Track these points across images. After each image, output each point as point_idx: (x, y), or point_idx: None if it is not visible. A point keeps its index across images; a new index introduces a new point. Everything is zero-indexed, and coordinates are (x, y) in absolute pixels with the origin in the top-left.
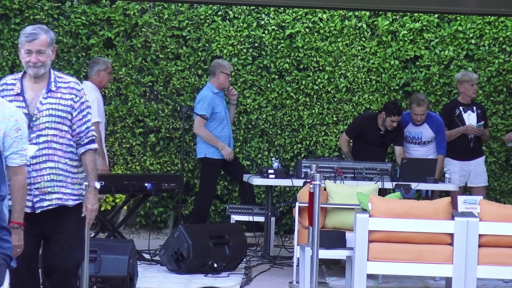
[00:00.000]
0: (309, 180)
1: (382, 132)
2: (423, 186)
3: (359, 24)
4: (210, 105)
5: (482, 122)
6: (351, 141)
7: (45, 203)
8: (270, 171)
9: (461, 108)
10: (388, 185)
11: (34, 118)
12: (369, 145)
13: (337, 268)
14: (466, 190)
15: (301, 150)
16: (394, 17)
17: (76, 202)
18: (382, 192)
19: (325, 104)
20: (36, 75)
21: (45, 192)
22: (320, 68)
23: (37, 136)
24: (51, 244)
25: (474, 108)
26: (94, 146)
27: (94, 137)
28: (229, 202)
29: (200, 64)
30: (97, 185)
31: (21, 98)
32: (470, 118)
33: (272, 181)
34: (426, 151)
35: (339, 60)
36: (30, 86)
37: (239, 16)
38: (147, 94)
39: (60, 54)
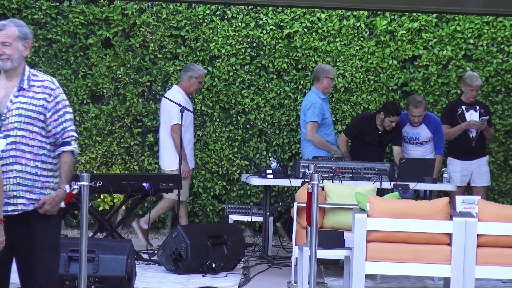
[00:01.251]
0: (307, 180)
1: (380, 132)
2: (421, 186)
3: (358, 24)
4: (321, 111)
5: (487, 117)
6: (349, 141)
7: (10, 208)
8: (269, 171)
9: (463, 107)
10: (387, 185)
11: (2, 117)
12: (367, 145)
13: (335, 268)
14: (466, 190)
15: (299, 150)
16: (393, 17)
17: None
18: (381, 192)
19: None
20: (1, 68)
21: (10, 196)
22: None
23: (5, 137)
24: (21, 253)
25: (477, 107)
26: (69, 148)
27: (72, 138)
28: (227, 202)
29: (198, 63)
30: (67, 188)
31: None
32: (472, 117)
33: (270, 181)
34: (424, 151)
35: (337, 60)
36: (2, 83)
37: (237, 16)
38: (145, 93)
39: (58, 54)
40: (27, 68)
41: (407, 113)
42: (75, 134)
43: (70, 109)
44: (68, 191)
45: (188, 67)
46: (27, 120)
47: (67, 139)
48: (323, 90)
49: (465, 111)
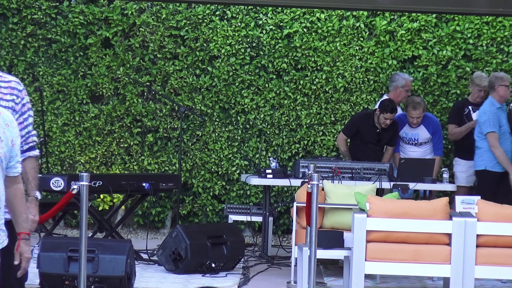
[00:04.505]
0: (307, 180)
1: (378, 130)
2: (421, 186)
3: (357, 24)
4: (497, 121)
5: None
6: (349, 140)
7: None
8: (268, 171)
9: (470, 107)
10: (386, 185)
11: None
12: (366, 144)
13: (335, 268)
14: (471, 190)
15: (299, 150)
16: (392, 17)
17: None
18: (380, 192)
19: (323, 104)
20: None
21: None
22: (318, 68)
23: None
24: None
25: None
26: (35, 153)
27: (35, 143)
28: (227, 202)
29: (198, 64)
30: (38, 195)
31: None
32: None
33: (270, 181)
34: (423, 152)
35: (337, 60)
36: None
37: (237, 16)
38: (145, 93)
39: (58, 54)
40: None
41: (405, 114)
42: (36, 139)
43: (32, 113)
44: (39, 197)
45: (393, 77)
46: None
47: (31, 144)
48: (499, 98)
49: (471, 111)
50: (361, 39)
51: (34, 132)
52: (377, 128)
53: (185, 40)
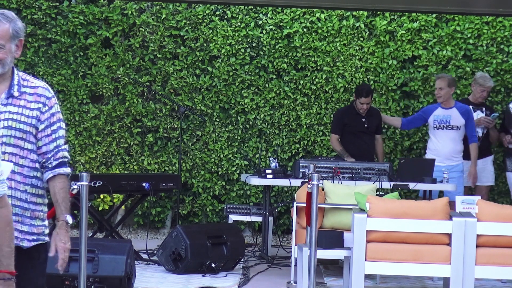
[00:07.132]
0: (307, 180)
1: (364, 120)
2: (421, 186)
3: (357, 24)
4: None
5: (497, 114)
6: (339, 139)
7: None
8: (268, 171)
9: (470, 107)
10: (386, 185)
11: None
12: (356, 134)
13: (335, 268)
14: (470, 189)
15: (299, 150)
16: (392, 17)
17: (33, 243)
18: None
19: (323, 104)
20: None
21: None
22: (318, 68)
23: None
24: None
25: (483, 109)
26: (66, 170)
27: (66, 159)
28: (227, 202)
29: (198, 64)
30: (69, 219)
31: None
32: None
33: (270, 181)
34: (455, 134)
35: (337, 60)
36: None
37: (237, 16)
38: (145, 93)
39: (58, 54)
40: (15, 70)
41: (432, 104)
42: (68, 155)
43: (64, 124)
44: (70, 222)
45: None
46: (18, 134)
47: (61, 160)
48: None
49: (472, 111)
50: (361, 39)
51: (65, 146)
52: (361, 116)
53: (185, 40)
